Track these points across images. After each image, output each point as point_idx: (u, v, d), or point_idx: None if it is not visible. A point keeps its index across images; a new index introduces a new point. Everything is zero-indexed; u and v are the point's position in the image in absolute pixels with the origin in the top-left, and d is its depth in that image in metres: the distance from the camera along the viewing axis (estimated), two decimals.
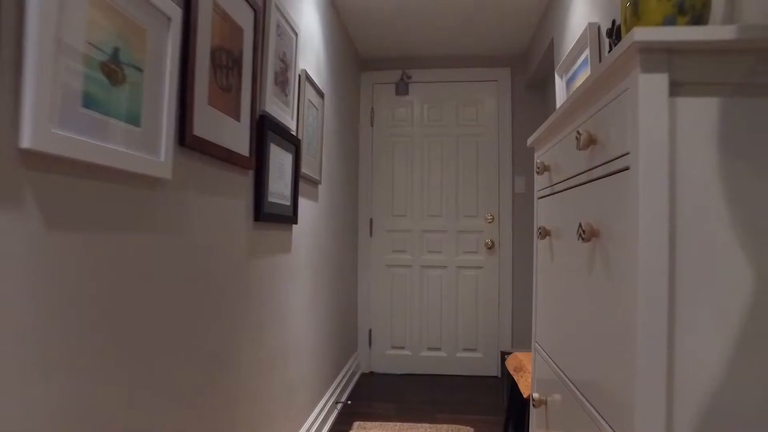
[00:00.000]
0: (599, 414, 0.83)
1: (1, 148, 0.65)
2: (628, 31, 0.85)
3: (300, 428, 2.09)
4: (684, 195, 0.69)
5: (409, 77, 3.49)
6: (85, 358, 0.82)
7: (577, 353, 0.98)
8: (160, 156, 0.99)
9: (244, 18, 1.42)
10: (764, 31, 0.65)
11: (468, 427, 2.43)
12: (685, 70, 0.69)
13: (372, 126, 3.54)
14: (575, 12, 2.11)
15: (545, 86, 3.36)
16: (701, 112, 0.70)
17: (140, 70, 0.92)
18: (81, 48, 0.77)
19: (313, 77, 2.26)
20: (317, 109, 2.28)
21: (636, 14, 0.79)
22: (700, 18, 0.74)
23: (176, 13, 1.02)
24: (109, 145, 0.83)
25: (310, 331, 2.27)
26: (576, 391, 0.97)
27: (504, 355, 2.06)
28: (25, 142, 0.67)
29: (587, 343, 0.91)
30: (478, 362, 3.40)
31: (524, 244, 3.39)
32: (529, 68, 3.28)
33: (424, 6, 2.72)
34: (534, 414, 1.41)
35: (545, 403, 1.27)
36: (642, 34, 0.67)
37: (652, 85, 0.70)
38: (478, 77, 3.46)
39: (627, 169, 0.74)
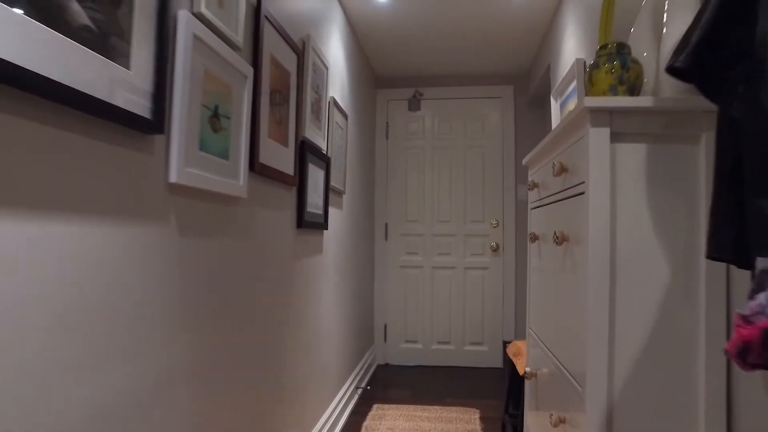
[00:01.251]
0: (572, 377, 1.13)
1: (159, 183, 0.98)
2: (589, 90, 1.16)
3: (327, 407, 2.40)
4: (621, 213, 1.00)
5: (421, 94, 3.82)
6: (198, 324, 1.14)
7: (557, 333, 1.29)
8: (240, 181, 1.31)
9: (290, 63, 1.75)
10: (670, 101, 0.97)
11: (474, 409, 2.74)
12: (622, 124, 1.00)
13: (387, 139, 3.87)
14: (567, 45, 2.42)
15: (544, 104, 3.67)
16: (633, 154, 1.01)
17: (229, 118, 1.25)
18: (199, 109, 1.10)
19: (339, 102, 2.59)
20: (342, 129, 2.61)
21: (591, 81, 1.10)
22: (634, 87, 1.05)
23: (249, 72, 1.35)
24: (213, 176, 1.16)
25: (336, 323, 2.59)
26: (557, 361, 1.28)
27: (506, 343, 2.35)
28: (172, 177, 1.00)
29: (562, 324, 1.22)
30: (484, 355, 3.71)
31: (526, 247, 3.68)
32: (530, 87, 3.59)
33: (435, 30, 3.05)
34: (527, 386, 1.72)
35: (536, 375, 1.57)
36: (591, 101, 0.99)
37: (599, 135, 1.01)
38: (484, 94, 3.77)
39: (583, 193, 1.05)
